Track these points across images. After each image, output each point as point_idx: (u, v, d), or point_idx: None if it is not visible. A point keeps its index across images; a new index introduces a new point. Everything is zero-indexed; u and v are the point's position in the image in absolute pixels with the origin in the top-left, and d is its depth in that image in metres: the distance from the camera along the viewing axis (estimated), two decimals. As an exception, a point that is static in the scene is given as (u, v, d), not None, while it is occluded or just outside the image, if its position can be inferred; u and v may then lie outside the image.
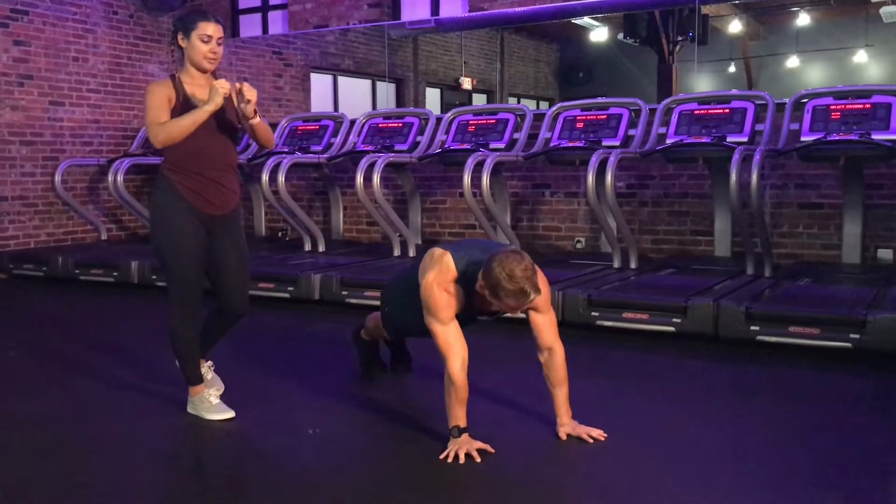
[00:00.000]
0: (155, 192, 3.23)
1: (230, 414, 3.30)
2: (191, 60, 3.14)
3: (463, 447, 2.79)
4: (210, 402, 3.32)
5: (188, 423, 3.33)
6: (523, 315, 3.01)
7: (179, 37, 3.13)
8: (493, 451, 2.82)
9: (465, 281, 2.91)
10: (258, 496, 2.63)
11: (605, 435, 2.90)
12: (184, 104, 3.10)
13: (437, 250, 3.01)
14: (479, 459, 2.77)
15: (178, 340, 3.28)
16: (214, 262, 3.25)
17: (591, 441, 2.89)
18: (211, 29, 3.10)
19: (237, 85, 3.10)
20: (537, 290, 2.78)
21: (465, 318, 3.01)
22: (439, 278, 2.90)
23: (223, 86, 3.04)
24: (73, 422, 3.36)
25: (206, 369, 3.44)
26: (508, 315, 3.12)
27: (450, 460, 2.76)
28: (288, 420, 3.36)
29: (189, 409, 3.36)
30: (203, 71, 3.17)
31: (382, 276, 5.61)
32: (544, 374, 3.02)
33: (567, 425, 2.96)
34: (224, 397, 3.37)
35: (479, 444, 2.82)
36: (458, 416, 2.85)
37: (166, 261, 3.20)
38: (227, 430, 3.28)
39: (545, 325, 2.99)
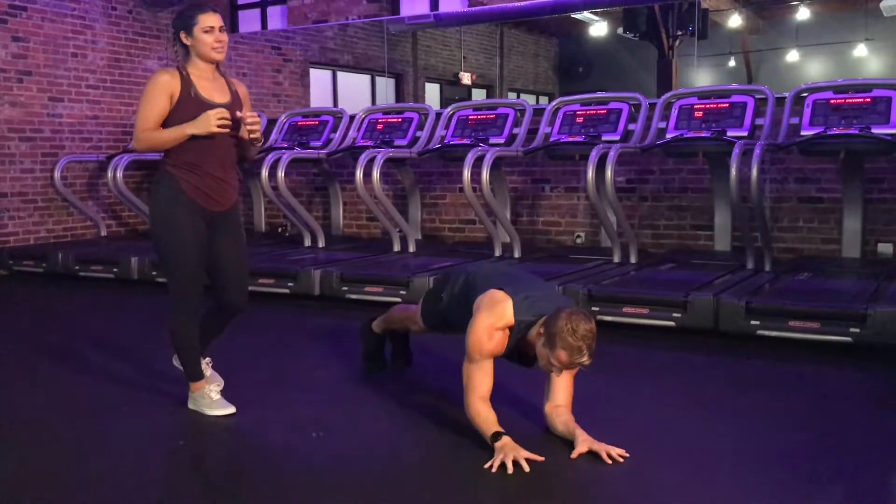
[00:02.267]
0: (156, 188, 3.22)
1: (231, 410, 3.31)
2: (198, 54, 3.13)
3: (510, 455, 2.66)
4: (210, 397, 3.32)
5: (189, 419, 3.33)
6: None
7: (182, 35, 3.12)
8: (542, 459, 2.69)
9: (519, 328, 2.89)
10: (260, 492, 2.63)
11: (627, 455, 2.74)
12: (193, 98, 3.09)
13: (499, 294, 2.94)
14: (527, 469, 2.63)
15: (179, 336, 3.28)
16: (214, 257, 3.24)
17: (610, 462, 2.70)
18: (211, 19, 3.10)
19: (244, 116, 3.10)
20: (592, 356, 2.73)
21: (510, 357, 3.00)
22: (490, 321, 2.87)
23: (221, 118, 3.02)
24: (73, 418, 3.37)
25: (205, 366, 3.43)
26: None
27: (494, 469, 2.64)
28: (289, 415, 3.36)
29: (190, 405, 3.36)
30: (212, 62, 3.16)
31: (382, 271, 5.62)
32: (549, 422, 2.96)
33: (586, 440, 2.78)
34: (224, 393, 3.37)
35: (528, 454, 2.68)
36: (492, 422, 2.80)
37: (167, 257, 3.20)
38: (227, 425, 3.28)
39: (567, 387, 2.95)
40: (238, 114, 3.10)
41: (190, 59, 3.15)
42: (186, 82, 3.11)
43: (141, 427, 3.25)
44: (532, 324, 2.87)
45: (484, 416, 2.83)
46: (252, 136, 3.16)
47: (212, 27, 3.10)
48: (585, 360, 2.73)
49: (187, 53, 3.15)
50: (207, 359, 3.47)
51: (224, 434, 3.24)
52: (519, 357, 3.03)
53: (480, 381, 2.88)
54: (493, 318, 2.89)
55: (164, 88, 3.07)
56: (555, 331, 2.71)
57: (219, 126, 3.03)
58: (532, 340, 2.86)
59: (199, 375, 3.34)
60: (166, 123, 3.10)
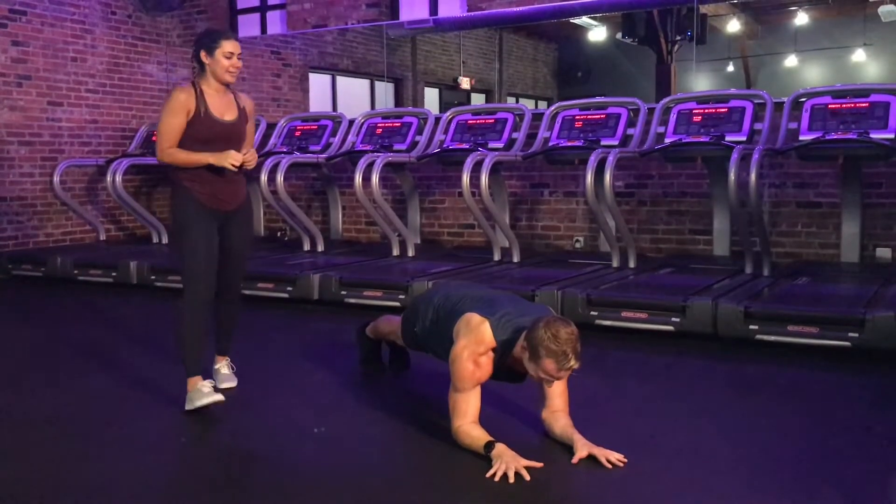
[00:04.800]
0: (173, 199, 3.54)
1: (218, 397, 3.37)
2: (214, 74, 3.43)
3: (511, 466, 2.63)
4: (202, 391, 3.38)
5: (188, 423, 3.33)
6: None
7: (203, 54, 3.42)
8: (541, 465, 2.69)
9: (502, 347, 2.86)
10: (260, 495, 2.63)
11: (625, 460, 2.74)
12: (204, 117, 3.40)
13: (475, 317, 2.91)
14: (528, 478, 2.62)
15: (183, 326, 3.41)
16: (222, 239, 3.52)
17: (609, 466, 2.71)
18: (232, 46, 3.42)
19: (246, 159, 3.39)
20: (579, 358, 2.70)
21: (499, 377, 2.98)
22: (471, 348, 2.85)
23: (236, 159, 3.35)
24: (72, 421, 3.36)
25: (224, 364, 3.73)
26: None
27: (496, 479, 2.62)
28: (289, 419, 3.37)
29: (186, 407, 3.37)
30: (225, 83, 3.47)
31: (381, 276, 5.62)
32: (546, 427, 2.96)
33: (585, 445, 2.78)
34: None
35: (526, 461, 2.67)
36: (480, 436, 2.79)
37: (182, 256, 3.45)
38: (228, 429, 3.28)
39: (562, 392, 2.93)
40: (241, 157, 3.38)
41: (204, 76, 3.45)
42: (200, 100, 3.41)
43: (140, 430, 3.25)
44: (514, 341, 2.83)
45: (473, 434, 2.82)
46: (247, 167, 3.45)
47: (232, 53, 3.42)
48: (573, 363, 2.69)
49: (202, 69, 3.45)
50: (227, 358, 3.74)
51: (224, 438, 3.24)
52: (507, 375, 3.00)
53: (467, 407, 2.85)
54: (475, 343, 2.86)
55: (181, 106, 3.37)
56: (536, 342, 2.68)
57: (232, 165, 3.35)
58: (518, 356, 2.83)
59: (195, 371, 3.42)
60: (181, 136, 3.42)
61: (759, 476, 2.69)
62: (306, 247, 6.91)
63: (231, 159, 3.34)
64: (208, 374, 3.59)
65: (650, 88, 13.41)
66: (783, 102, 5.61)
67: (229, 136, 3.44)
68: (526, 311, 2.97)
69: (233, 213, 3.52)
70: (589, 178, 5.37)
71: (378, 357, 3.88)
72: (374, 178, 5.99)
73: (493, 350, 2.89)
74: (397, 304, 5.19)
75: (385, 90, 12.51)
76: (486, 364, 2.87)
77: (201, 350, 3.45)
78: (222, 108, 3.45)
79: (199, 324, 3.42)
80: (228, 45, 3.40)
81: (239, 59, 3.44)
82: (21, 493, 2.64)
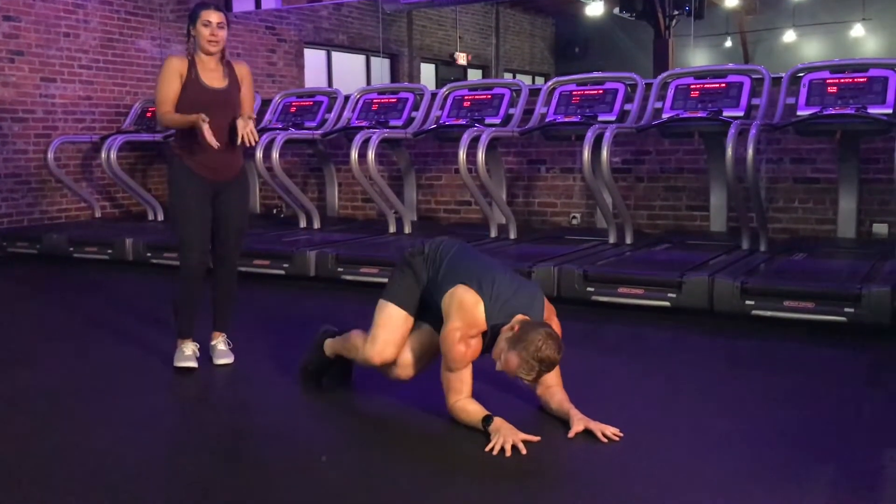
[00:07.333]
0: (169, 169, 3.68)
1: (191, 364, 3.58)
2: (199, 45, 3.54)
3: (508, 439, 2.67)
4: (183, 352, 3.63)
5: (185, 399, 3.34)
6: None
7: (190, 28, 3.55)
8: (537, 439, 2.72)
9: (492, 332, 2.86)
10: (256, 470, 2.63)
11: (621, 434, 2.78)
12: (195, 82, 3.52)
13: (469, 298, 2.85)
14: (524, 451, 2.65)
15: (180, 288, 3.62)
16: (218, 212, 3.62)
17: (605, 440, 2.74)
18: (210, 15, 3.51)
19: (240, 133, 3.43)
20: (536, 381, 2.80)
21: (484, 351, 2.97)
22: (463, 331, 2.84)
23: (211, 139, 3.35)
24: (69, 399, 3.37)
25: (220, 340, 3.75)
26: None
27: (495, 453, 2.65)
28: (285, 396, 3.37)
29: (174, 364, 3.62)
30: (209, 53, 3.54)
31: (378, 252, 5.61)
32: (542, 402, 2.99)
33: (581, 420, 2.80)
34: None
35: (524, 436, 2.70)
36: (477, 410, 2.82)
37: (175, 223, 3.61)
38: (224, 405, 3.29)
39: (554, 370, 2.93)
40: (239, 126, 3.43)
41: (197, 49, 3.56)
42: (192, 67, 3.53)
43: (136, 407, 3.25)
44: (504, 324, 2.83)
45: (469, 409, 2.84)
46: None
47: (209, 21, 3.50)
48: (529, 378, 2.75)
49: (195, 46, 3.56)
50: (223, 335, 3.76)
51: (221, 415, 3.25)
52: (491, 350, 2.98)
53: (461, 385, 2.88)
54: (467, 326, 2.85)
55: (174, 71, 3.51)
56: (525, 340, 2.69)
57: (207, 138, 3.35)
58: (502, 331, 2.82)
59: (183, 334, 3.65)
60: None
61: (754, 450, 2.71)
62: (302, 224, 6.90)
63: (207, 135, 3.32)
64: (202, 342, 3.73)
65: (648, 63, 13.36)
66: (781, 77, 5.58)
67: (220, 103, 3.51)
68: (520, 292, 2.93)
69: (227, 184, 3.61)
70: (586, 154, 5.35)
71: (321, 374, 3.44)
72: (371, 155, 5.96)
73: (483, 334, 2.88)
74: (394, 280, 5.18)
75: (381, 66, 12.45)
76: (476, 344, 2.89)
77: (193, 315, 3.62)
78: (212, 77, 3.56)
79: (192, 290, 3.60)
80: (206, 15, 3.50)
81: (219, 27, 3.50)
82: (20, 466, 2.65)
